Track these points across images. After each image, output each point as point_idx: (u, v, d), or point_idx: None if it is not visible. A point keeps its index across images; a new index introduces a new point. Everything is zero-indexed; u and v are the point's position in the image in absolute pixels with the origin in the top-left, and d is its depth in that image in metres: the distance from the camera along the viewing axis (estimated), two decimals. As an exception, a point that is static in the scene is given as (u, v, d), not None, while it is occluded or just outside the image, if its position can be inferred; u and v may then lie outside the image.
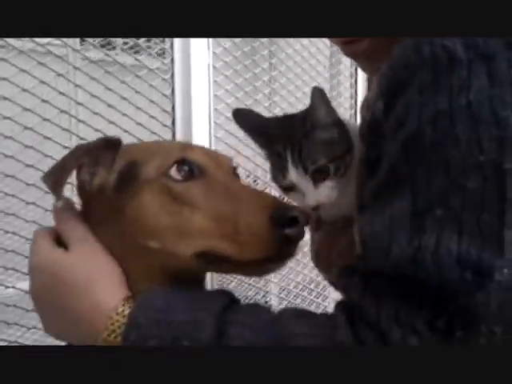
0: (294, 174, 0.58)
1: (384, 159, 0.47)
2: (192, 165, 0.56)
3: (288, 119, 0.62)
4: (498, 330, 0.40)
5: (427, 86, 0.43)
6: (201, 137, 1.15)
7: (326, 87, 1.68)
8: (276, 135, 0.60)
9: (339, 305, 0.49)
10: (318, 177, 0.58)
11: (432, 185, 0.43)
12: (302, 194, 0.59)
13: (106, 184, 0.57)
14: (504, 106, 0.41)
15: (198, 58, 1.13)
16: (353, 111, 1.78)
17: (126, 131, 1.04)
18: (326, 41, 1.62)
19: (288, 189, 0.61)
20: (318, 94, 0.57)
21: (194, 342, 0.47)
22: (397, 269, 0.43)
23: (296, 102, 1.45)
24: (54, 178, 0.56)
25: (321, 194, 0.58)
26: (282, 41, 1.48)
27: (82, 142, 0.63)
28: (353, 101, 1.75)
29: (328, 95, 0.58)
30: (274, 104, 1.41)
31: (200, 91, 1.14)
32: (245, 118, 0.65)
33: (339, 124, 0.59)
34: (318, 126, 0.57)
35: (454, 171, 0.42)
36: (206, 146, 1.18)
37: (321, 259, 0.66)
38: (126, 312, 0.50)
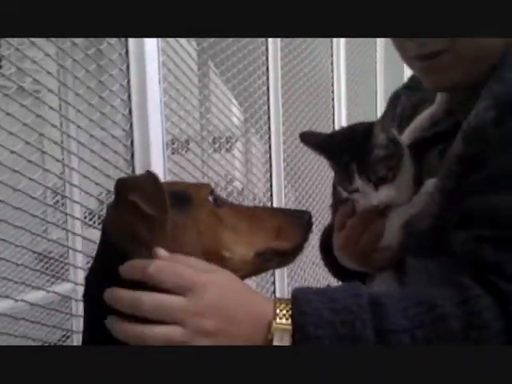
0: (359, 182, 0.74)
1: (499, 156, 0.63)
2: (216, 195, 0.73)
3: (349, 134, 0.77)
4: None
5: None
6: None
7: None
8: (341, 149, 0.75)
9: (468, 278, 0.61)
10: (378, 182, 0.74)
11: None
12: (365, 197, 0.75)
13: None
14: None
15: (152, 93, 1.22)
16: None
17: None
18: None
19: (352, 192, 0.76)
20: (379, 124, 0.74)
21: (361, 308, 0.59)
22: None
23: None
24: (157, 206, 0.62)
25: (381, 196, 0.74)
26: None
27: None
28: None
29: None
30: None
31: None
32: (310, 138, 0.80)
33: (393, 141, 0.75)
34: (377, 146, 0.73)
35: None
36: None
37: (349, 244, 0.80)
38: (286, 302, 0.60)
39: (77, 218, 1.77)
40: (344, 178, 0.76)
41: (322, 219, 2.44)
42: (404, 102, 0.87)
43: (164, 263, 0.60)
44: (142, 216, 0.62)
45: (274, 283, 2.00)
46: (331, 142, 0.78)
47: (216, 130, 1.78)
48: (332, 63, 2.54)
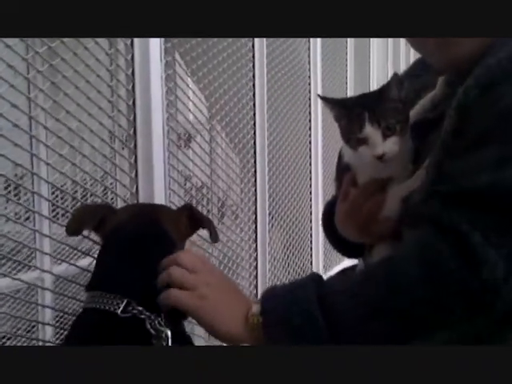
0: (369, 128, 0.82)
1: (472, 126, 0.73)
2: None
3: (365, 95, 0.89)
4: None
5: None
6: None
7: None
8: (356, 103, 0.86)
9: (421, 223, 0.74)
10: (386, 132, 0.83)
11: None
12: (371, 147, 0.83)
13: None
14: None
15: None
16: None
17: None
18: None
19: (360, 142, 0.84)
20: (395, 78, 0.85)
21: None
22: (484, 189, 0.70)
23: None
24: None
25: (387, 146, 0.83)
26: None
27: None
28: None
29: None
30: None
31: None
32: (329, 99, 0.90)
33: (404, 102, 0.85)
34: (389, 99, 0.83)
35: None
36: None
37: (353, 213, 0.89)
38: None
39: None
40: (354, 127, 0.84)
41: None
42: (407, 88, 0.96)
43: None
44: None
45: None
46: (349, 99, 0.90)
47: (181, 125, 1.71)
48: (310, 63, 2.65)
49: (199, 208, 1.70)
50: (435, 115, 0.86)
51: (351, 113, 0.85)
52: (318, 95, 0.94)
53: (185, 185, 1.69)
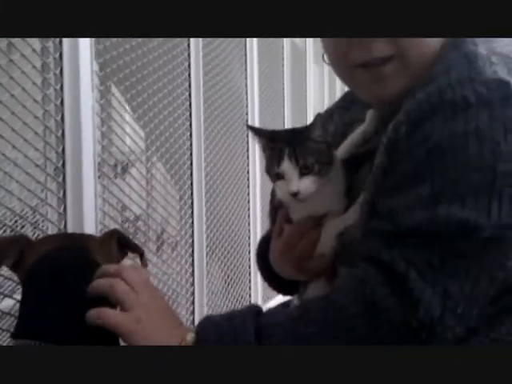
0: (286, 164, 0.83)
1: (404, 163, 0.74)
2: None
3: (293, 130, 0.90)
4: None
5: (447, 119, 0.72)
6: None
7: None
8: (280, 137, 0.86)
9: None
10: (303, 170, 0.83)
11: (446, 176, 0.71)
12: (287, 183, 0.83)
13: None
14: (496, 132, 0.70)
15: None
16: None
17: None
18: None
19: (278, 177, 0.85)
20: (319, 118, 0.84)
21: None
22: (419, 226, 0.71)
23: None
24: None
25: (302, 184, 0.83)
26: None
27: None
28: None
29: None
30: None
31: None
32: (257, 129, 0.92)
33: (328, 144, 0.86)
34: (312, 139, 0.84)
35: (462, 168, 0.70)
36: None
37: (287, 250, 0.89)
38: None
39: None
40: (273, 161, 0.85)
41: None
42: (337, 121, 0.97)
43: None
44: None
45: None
46: (276, 132, 0.90)
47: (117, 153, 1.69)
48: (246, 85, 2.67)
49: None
50: (366, 150, 0.87)
51: (274, 146, 0.86)
52: (247, 125, 0.92)
53: (120, 218, 1.64)
